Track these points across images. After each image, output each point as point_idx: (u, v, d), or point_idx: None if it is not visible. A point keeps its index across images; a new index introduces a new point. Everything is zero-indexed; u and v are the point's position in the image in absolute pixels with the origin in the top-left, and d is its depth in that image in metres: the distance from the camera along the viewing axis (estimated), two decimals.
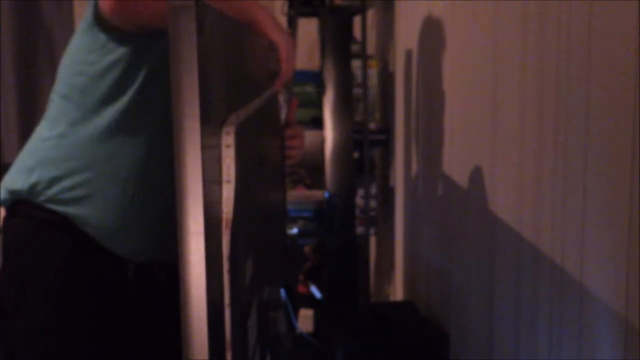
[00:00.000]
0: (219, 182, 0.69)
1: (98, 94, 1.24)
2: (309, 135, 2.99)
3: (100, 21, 1.21)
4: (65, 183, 1.24)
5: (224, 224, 0.69)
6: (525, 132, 1.32)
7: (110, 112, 1.24)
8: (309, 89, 2.54)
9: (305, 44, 3.06)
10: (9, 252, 1.27)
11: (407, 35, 2.37)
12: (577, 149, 1.11)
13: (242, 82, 0.95)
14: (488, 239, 1.55)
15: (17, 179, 1.26)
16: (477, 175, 1.63)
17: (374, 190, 2.66)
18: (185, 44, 0.61)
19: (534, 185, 1.28)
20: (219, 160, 0.69)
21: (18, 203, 1.26)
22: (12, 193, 1.26)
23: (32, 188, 1.25)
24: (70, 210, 1.25)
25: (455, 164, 1.81)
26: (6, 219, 1.28)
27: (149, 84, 1.25)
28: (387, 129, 2.71)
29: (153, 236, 1.32)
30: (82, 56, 1.25)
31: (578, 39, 1.10)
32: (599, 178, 1.05)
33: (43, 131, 1.29)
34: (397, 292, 2.64)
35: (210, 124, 0.66)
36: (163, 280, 1.40)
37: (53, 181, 1.24)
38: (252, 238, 0.92)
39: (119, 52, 1.22)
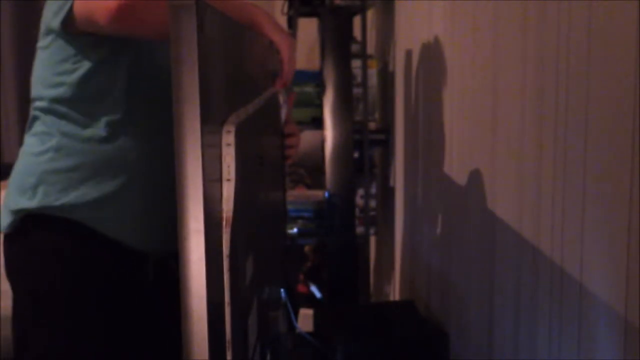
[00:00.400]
0: (219, 181, 0.69)
1: (85, 100, 1.22)
2: (309, 135, 3.01)
3: (68, 30, 1.18)
4: (75, 192, 1.23)
5: (224, 222, 0.69)
6: (525, 132, 1.32)
7: (103, 114, 1.22)
8: (309, 88, 2.54)
9: (305, 44, 3.06)
10: (24, 266, 1.26)
11: (407, 35, 2.37)
12: (577, 149, 1.11)
13: (242, 81, 0.95)
14: (488, 239, 1.55)
15: (20, 199, 1.25)
16: (477, 176, 1.63)
17: (373, 190, 2.66)
18: (186, 43, 0.61)
19: (534, 185, 1.28)
20: (219, 159, 0.69)
21: (25, 218, 1.25)
22: (18, 212, 1.24)
23: (40, 203, 1.23)
24: (84, 216, 1.24)
25: (455, 164, 1.81)
26: (15, 234, 1.26)
27: (134, 78, 1.23)
28: (387, 129, 2.71)
29: (167, 226, 1.32)
30: (56, 68, 1.23)
31: (578, 39, 1.10)
32: (599, 178, 1.06)
33: (34, 147, 1.27)
34: (397, 291, 2.64)
35: (211, 122, 0.66)
36: (177, 270, 1.41)
37: (62, 192, 1.23)
38: (252, 237, 0.92)
39: (94, 55, 1.21)
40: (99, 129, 1.23)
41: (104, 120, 1.23)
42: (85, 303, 1.25)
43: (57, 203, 1.23)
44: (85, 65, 1.21)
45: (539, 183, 1.26)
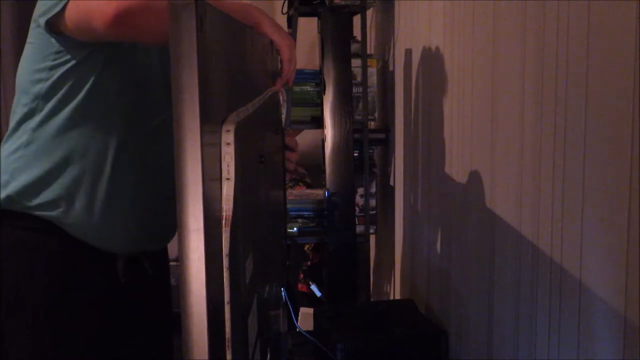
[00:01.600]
0: (219, 180, 0.69)
1: (57, 97, 1.23)
2: (309, 134, 2.99)
3: (52, 29, 1.19)
4: (38, 187, 1.24)
5: (223, 221, 0.69)
6: (525, 132, 1.32)
7: (67, 111, 1.23)
8: (309, 88, 2.54)
9: (305, 43, 3.06)
10: None
11: (407, 34, 2.37)
12: (576, 149, 1.11)
13: (242, 80, 0.95)
14: (488, 238, 1.55)
15: None
16: (476, 175, 1.63)
17: (373, 189, 2.66)
18: (185, 42, 0.61)
19: (534, 185, 1.28)
20: (218, 158, 0.69)
21: None
22: None
23: (9, 199, 1.25)
24: (50, 213, 1.25)
25: (455, 164, 1.81)
26: None
27: (104, 77, 1.24)
28: (387, 128, 2.71)
29: (139, 227, 1.33)
30: (37, 64, 1.24)
31: (577, 39, 1.10)
32: (598, 178, 1.06)
33: (9, 146, 1.28)
34: (397, 290, 2.64)
35: (210, 122, 0.66)
36: (151, 271, 1.42)
37: (26, 188, 1.24)
38: (252, 236, 0.92)
39: (75, 54, 1.21)
40: (58, 125, 1.24)
41: (64, 117, 1.23)
42: (54, 301, 1.26)
43: (22, 200, 1.24)
44: (65, 64, 1.22)
45: (538, 182, 1.26)
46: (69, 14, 1.15)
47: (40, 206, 1.24)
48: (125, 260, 1.35)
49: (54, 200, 1.24)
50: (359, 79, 2.53)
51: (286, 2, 2.57)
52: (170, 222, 1.40)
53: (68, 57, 1.22)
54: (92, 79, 1.23)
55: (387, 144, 2.72)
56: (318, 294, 2.58)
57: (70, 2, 1.14)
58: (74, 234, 1.26)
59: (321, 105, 2.48)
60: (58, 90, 1.23)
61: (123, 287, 1.35)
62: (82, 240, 1.27)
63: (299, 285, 3.03)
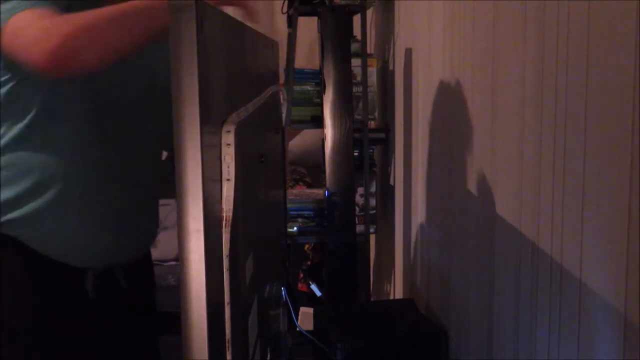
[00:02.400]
0: (219, 181, 0.69)
1: (9, 114, 1.18)
2: (309, 134, 2.99)
3: None
4: (4, 208, 1.20)
5: (224, 222, 0.69)
6: (525, 132, 1.32)
7: (19, 129, 1.18)
8: (309, 87, 2.54)
9: (305, 42, 3.06)
10: None
11: (407, 34, 2.37)
12: (576, 148, 1.11)
13: (242, 80, 0.95)
14: (488, 237, 1.55)
15: None
16: (477, 175, 1.63)
17: (373, 188, 2.67)
18: (185, 43, 0.61)
19: (534, 185, 1.28)
20: (219, 159, 0.70)
21: None
22: None
23: None
24: (14, 231, 1.21)
25: (455, 163, 1.81)
26: None
27: (61, 93, 1.18)
28: (387, 128, 2.71)
29: (108, 240, 1.29)
30: None
31: (577, 39, 1.10)
32: (598, 177, 1.06)
33: None
34: (397, 290, 2.64)
35: (210, 122, 0.66)
36: (124, 283, 1.37)
37: None
38: (252, 236, 0.93)
39: (17, 74, 1.15)
40: (23, 147, 1.19)
41: (28, 138, 1.19)
42: (20, 320, 1.22)
43: None
44: (9, 81, 1.17)
45: (538, 182, 1.26)
46: (4, 39, 1.05)
47: (6, 225, 1.21)
48: (99, 273, 1.32)
49: (21, 219, 1.20)
50: (359, 78, 2.53)
51: (286, 1, 2.57)
52: (146, 233, 1.36)
53: (9, 75, 1.15)
54: (44, 95, 1.17)
55: (387, 143, 2.72)
56: (318, 293, 2.58)
57: (7, 25, 1.02)
58: (41, 251, 1.23)
59: (321, 104, 2.48)
60: (7, 108, 1.17)
61: (97, 301, 1.32)
62: (50, 257, 1.24)
63: (299, 285, 3.03)
